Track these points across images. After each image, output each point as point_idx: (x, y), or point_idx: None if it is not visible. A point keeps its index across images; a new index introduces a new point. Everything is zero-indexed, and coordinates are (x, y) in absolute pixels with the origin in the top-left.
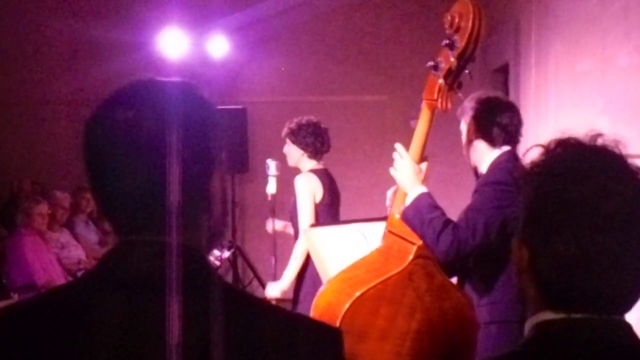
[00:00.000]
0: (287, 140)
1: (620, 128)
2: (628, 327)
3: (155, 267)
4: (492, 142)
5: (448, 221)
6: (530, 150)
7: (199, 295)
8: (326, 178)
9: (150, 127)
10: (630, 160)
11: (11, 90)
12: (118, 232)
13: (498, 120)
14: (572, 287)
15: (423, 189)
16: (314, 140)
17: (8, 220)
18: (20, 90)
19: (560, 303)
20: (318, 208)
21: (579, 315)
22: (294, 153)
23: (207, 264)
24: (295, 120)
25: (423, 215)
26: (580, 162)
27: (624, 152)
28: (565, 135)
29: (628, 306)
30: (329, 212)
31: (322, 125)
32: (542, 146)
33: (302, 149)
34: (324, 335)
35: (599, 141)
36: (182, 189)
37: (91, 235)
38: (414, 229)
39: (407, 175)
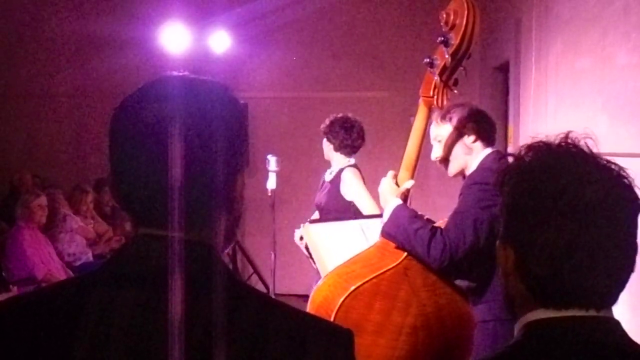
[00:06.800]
0: (337, 140)
1: (619, 126)
2: (617, 325)
3: (167, 261)
4: (488, 141)
5: (434, 228)
6: (504, 158)
7: (210, 292)
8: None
9: (176, 123)
10: (599, 155)
11: (12, 84)
12: (135, 224)
13: (489, 118)
14: (560, 280)
15: (398, 201)
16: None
17: (8, 214)
18: (22, 84)
19: (549, 299)
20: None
21: (568, 313)
22: (339, 158)
23: (220, 262)
24: (343, 118)
25: (407, 228)
26: (553, 159)
27: (593, 146)
28: (534, 140)
29: (613, 298)
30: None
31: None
32: (512, 155)
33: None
34: (335, 336)
35: (569, 139)
36: (206, 187)
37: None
38: (400, 244)
39: (382, 190)
